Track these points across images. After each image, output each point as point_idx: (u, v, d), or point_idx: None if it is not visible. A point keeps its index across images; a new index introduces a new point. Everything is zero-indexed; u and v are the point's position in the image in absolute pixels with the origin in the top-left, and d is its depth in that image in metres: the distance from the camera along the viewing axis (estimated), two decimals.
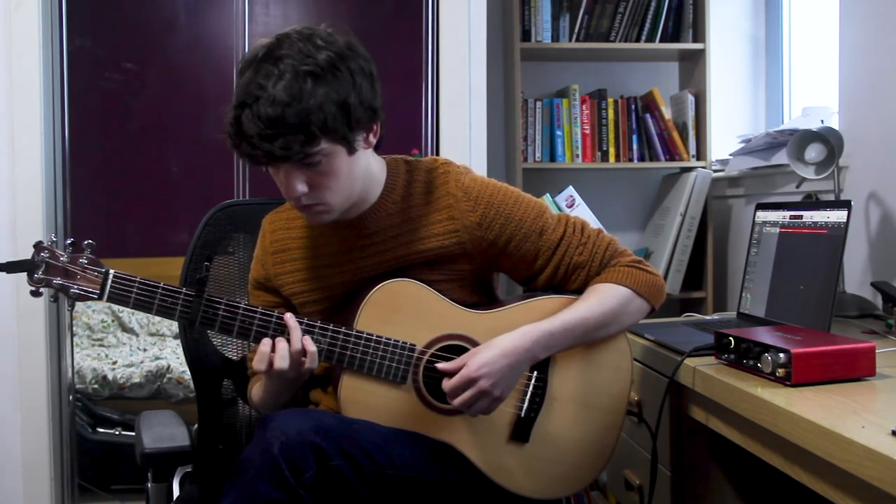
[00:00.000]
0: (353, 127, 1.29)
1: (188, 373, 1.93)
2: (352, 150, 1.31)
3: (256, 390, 1.50)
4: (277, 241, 1.50)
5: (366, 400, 1.36)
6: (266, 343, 1.31)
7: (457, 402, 1.32)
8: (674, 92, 3.02)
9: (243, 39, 3.52)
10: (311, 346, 1.32)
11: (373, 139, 1.37)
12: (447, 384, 1.32)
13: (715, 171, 2.87)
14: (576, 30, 2.85)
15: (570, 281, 1.47)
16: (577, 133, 2.86)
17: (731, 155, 2.74)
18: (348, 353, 1.35)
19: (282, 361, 1.30)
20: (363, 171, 1.38)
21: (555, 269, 1.45)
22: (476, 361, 1.32)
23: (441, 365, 1.34)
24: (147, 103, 3.76)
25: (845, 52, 2.22)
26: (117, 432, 3.24)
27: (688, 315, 2.18)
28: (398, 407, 1.37)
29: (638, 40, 2.86)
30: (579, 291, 1.46)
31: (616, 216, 3.03)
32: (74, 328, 3.37)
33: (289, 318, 1.33)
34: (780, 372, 1.28)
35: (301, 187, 1.31)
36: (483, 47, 2.47)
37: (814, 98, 2.79)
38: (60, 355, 2.43)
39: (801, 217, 1.74)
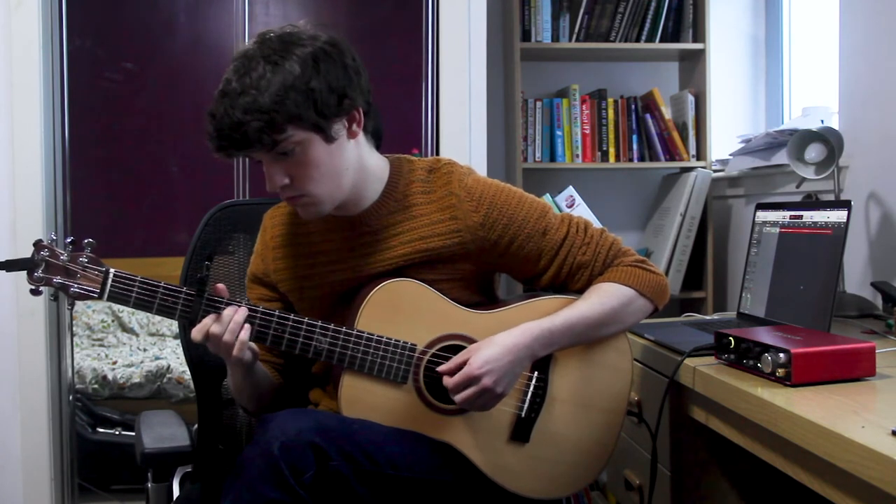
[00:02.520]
0: (324, 113, 1.29)
1: (188, 373, 1.93)
2: (329, 139, 1.32)
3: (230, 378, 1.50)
4: (278, 236, 1.50)
5: (366, 400, 1.36)
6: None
7: (458, 398, 1.32)
8: (674, 92, 3.02)
9: (243, 39, 3.52)
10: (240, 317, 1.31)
11: (356, 129, 1.36)
12: (449, 381, 1.32)
13: (715, 171, 2.87)
14: (576, 30, 2.85)
15: (573, 281, 1.47)
16: (577, 133, 2.85)
17: (731, 155, 2.74)
18: (349, 352, 1.35)
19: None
20: (353, 163, 1.38)
21: (558, 269, 1.45)
22: (479, 358, 1.31)
23: (442, 367, 1.34)
24: (147, 103, 3.76)
25: (845, 52, 2.22)
26: (117, 432, 3.24)
27: (688, 315, 2.18)
28: (398, 407, 1.37)
29: (638, 40, 2.86)
30: (582, 291, 1.46)
31: (616, 216, 3.03)
32: (74, 328, 3.37)
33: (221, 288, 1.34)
34: (780, 372, 1.28)
35: (281, 178, 1.32)
36: (483, 47, 2.47)
37: (814, 98, 2.79)
38: (60, 355, 2.43)
39: (801, 217, 1.74)
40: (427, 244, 1.42)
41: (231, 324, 1.29)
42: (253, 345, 1.35)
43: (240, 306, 1.32)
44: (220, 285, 1.33)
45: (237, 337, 1.30)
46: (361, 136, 1.39)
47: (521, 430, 1.42)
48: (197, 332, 1.30)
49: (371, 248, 1.43)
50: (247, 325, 1.31)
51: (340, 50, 1.33)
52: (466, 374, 1.31)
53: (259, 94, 1.24)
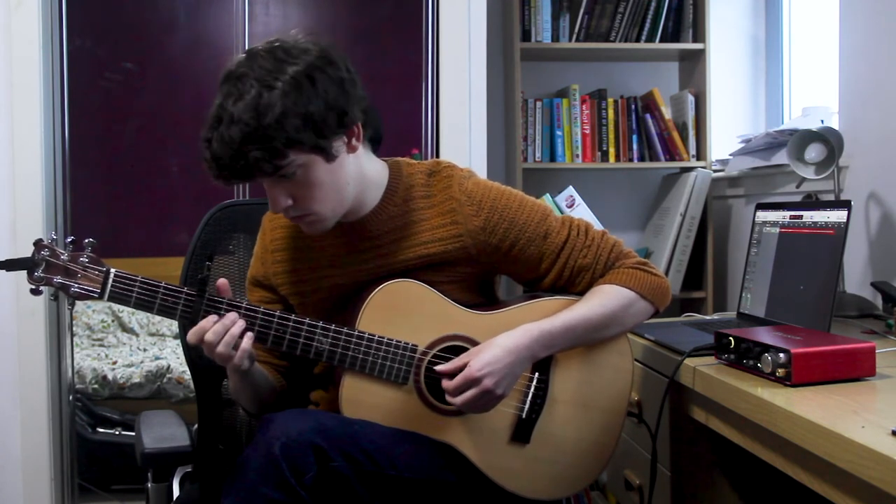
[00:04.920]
0: (324, 134, 1.27)
1: (188, 373, 1.93)
2: (330, 158, 1.30)
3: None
4: (278, 239, 1.50)
5: (367, 400, 1.36)
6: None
7: (458, 401, 1.32)
8: (674, 92, 3.02)
9: (243, 39, 3.52)
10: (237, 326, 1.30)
11: (356, 143, 1.35)
12: (449, 384, 1.32)
13: (715, 171, 2.87)
14: (576, 30, 2.85)
15: (574, 284, 1.46)
16: (577, 133, 2.85)
17: (731, 155, 2.74)
18: (350, 353, 1.35)
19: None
20: (353, 176, 1.37)
21: (559, 271, 1.45)
22: (479, 361, 1.31)
23: (441, 367, 1.34)
24: (147, 103, 3.76)
25: (845, 52, 2.22)
26: (117, 432, 3.24)
27: (688, 315, 2.18)
28: (399, 407, 1.37)
29: (638, 40, 2.86)
30: (584, 294, 1.46)
31: (616, 216, 3.03)
32: (74, 328, 3.37)
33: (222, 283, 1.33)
34: (780, 372, 1.28)
35: (284, 200, 1.31)
36: (483, 47, 2.47)
37: (814, 98, 2.79)
38: (60, 355, 2.43)
39: (801, 217, 1.74)
40: (428, 249, 1.42)
41: (227, 336, 1.28)
42: (252, 351, 1.34)
43: (240, 313, 1.31)
44: (222, 281, 1.33)
45: (233, 348, 1.29)
46: (360, 146, 1.38)
47: (522, 431, 1.42)
48: (192, 336, 1.29)
49: (372, 254, 1.43)
50: (248, 335, 1.31)
51: (334, 62, 1.30)
52: (466, 376, 1.31)
53: (256, 121, 1.21)
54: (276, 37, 1.31)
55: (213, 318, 1.29)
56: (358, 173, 1.38)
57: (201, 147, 1.27)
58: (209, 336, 1.28)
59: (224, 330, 1.28)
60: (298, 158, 1.27)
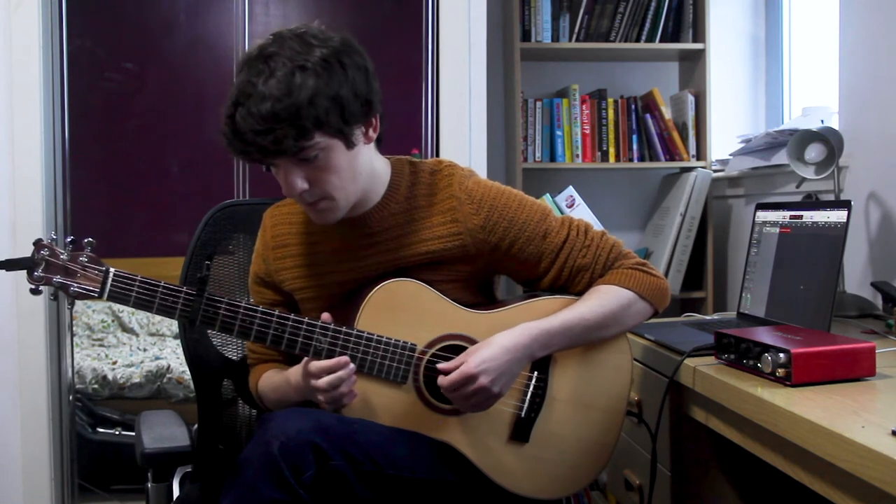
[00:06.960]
0: (348, 120, 1.29)
1: (188, 373, 1.93)
2: (350, 145, 1.32)
3: (267, 389, 1.48)
4: (278, 235, 1.50)
5: (366, 399, 1.36)
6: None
7: (454, 398, 1.32)
8: (674, 92, 3.02)
9: (243, 39, 3.52)
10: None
11: (372, 134, 1.37)
12: (444, 380, 1.32)
13: (715, 171, 2.87)
14: (576, 30, 2.85)
15: (573, 284, 1.47)
16: (577, 133, 2.85)
17: (731, 155, 2.74)
18: (349, 352, 1.35)
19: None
20: (366, 167, 1.38)
21: (559, 271, 1.45)
22: (476, 358, 1.31)
23: (442, 365, 1.34)
24: (147, 103, 3.76)
25: (845, 52, 2.22)
26: (117, 432, 3.24)
27: (688, 315, 2.18)
28: (398, 407, 1.37)
29: (638, 40, 2.86)
30: (583, 294, 1.46)
31: (616, 216, 3.03)
32: (74, 328, 3.37)
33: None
34: (781, 372, 1.28)
35: (301, 184, 1.31)
36: (483, 47, 2.47)
37: (814, 98, 2.79)
38: (60, 355, 2.43)
39: (801, 217, 1.74)
40: (428, 247, 1.42)
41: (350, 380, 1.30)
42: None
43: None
44: (326, 315, 1.35)
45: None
46: (374, 139, 1.39)
47: (521, 430, 1.42)
48: (325, 382, 1.29)
49: (372, 250, 1.43)
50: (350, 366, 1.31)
51: (359, 52, 1.33)
52: (463, 373, 1.31)
53: (289, 98, 1.23)
54: (300, 24, 1.33)
55: (343, 359, 1.30)
56: (369, 166, 1.39)
57: (221, 123, 1.28)
58: (344, 387, 1.29)
59: (348, 375, 1.30)
60: (322, 141, 1.28)
